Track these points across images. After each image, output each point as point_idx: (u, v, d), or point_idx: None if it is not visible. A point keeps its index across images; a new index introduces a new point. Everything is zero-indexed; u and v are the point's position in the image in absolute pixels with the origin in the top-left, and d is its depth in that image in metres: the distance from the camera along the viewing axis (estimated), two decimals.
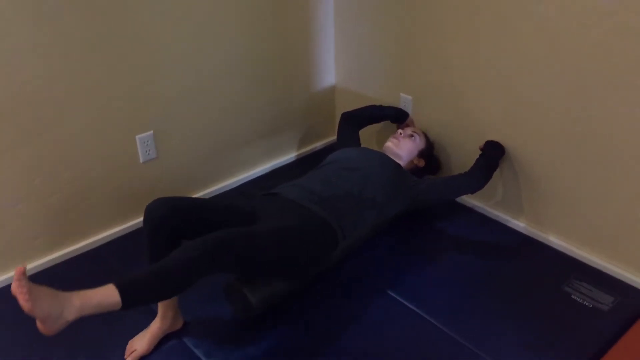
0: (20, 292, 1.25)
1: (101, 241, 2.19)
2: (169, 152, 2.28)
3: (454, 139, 2.33)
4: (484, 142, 2.18)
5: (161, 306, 1.74)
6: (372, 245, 2.11)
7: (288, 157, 2.76)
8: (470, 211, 2.34)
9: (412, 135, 2.26)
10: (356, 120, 2.44)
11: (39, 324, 1.30)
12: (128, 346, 1.72)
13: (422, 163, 2.26)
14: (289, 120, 2.68)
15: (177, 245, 1.66)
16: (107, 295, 1.35)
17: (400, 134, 2.26)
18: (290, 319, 1.82)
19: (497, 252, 2.11)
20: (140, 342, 1.71)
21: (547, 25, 1.87)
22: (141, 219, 2.24)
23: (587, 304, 1.83)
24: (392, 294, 1.90)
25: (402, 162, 2.20)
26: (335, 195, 1.88)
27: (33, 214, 1.98)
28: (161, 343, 1.74)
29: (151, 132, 2.19)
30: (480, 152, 2.19)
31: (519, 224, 2.20)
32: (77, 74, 1.92)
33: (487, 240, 2.17)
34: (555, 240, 2.10)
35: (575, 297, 1.85)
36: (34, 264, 2.04)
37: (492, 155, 2.11)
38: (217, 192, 2.49)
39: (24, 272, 1.26)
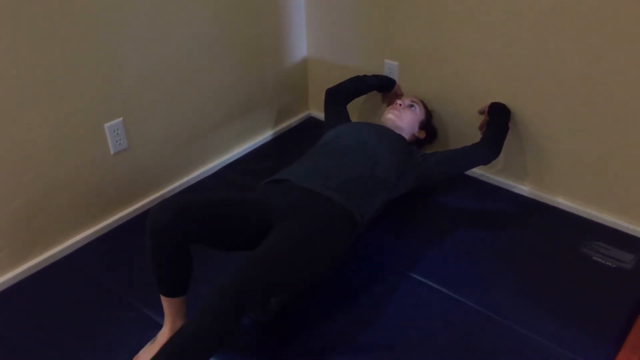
0: None
1: (73, 247, 1.92)
2: (141, 141, 2.02)
3: (447, 105, 2.21)
4: (483, 105, 2.08)
5: (169, 315, 1.53)
6: (379, 226, 1.98)
7: (264, 136, 2.55)
8: (470, 180, 2.24)
9: (412, 105, 2.11)
10: (342, 95, 2.26)
11: None
12: None
13: (422, 135, 2.12)
14: (262, 98, 2.47)
15: (185, 252, 1.46)
16: None
17: (400, 104, 2.11)
18: (313, 315, 1.66)
19: (507, 220, 2.03)
20: (148, 358, 1.50)
21: None
22: (116, 217, 2.03)
23: (609, 264, 1.79)
24: (414, 275, 1.78)
25: (404, 135, 2.06)
26: (350, 178, 1.72)
27: None
28: None
29: (120, 119, 1.92)
30: (480, 116, 2.10)
31: (524, 188, 2.13)
32: (33, 62, 1.63)
33: (494, 209, 2.09)
34: (563, 202, 2.04)
35: (596, 259, 1.81)
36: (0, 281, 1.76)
37: (501, 119, 1.99)
38: (195, 180, 2.27)
39: None
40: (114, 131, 1.92)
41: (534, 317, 1.62)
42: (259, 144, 2.52)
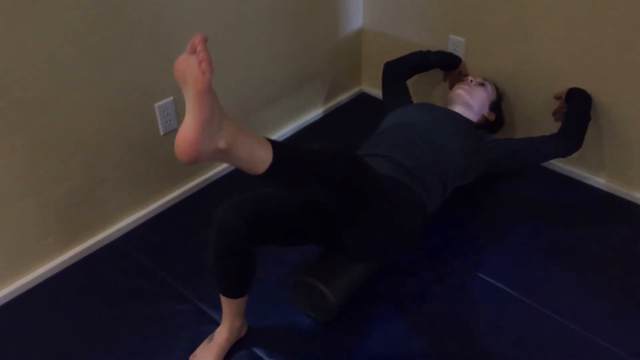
0: (200, 62, 0.95)
1: (121, 231, 1.84)
2: None
3: (518, 88, 2.03)
4: (559, 90, 1.90)
5: (228, 315, 1.44)
6: (444, 217, 1.85)
7: (314, 113, 2.42)
8: (540, 168, 2.08)
9: (483, 84, 1.94)
10: (402, 70, 2.10)
11: (186, 132, 0.96)
12: None
13: (492, 117, 1.95)
14: (313, 73, 2.32)
15: (251, 255, 1.36)
16: (261, 144, 1.05)
17: (471, 80, 1.94)
18: (377, 315, 1.56)
19: (581, 216, 1.88)
20: (207, 358, 1.43)
21: None
22: (163, 200, 1.93)
23: None
24: (481, 275, 1.66)
25: (473, 115, 1.89)
26: (420, 166, 1.58)
27: (41, 209, 1.61)
28: (228, 354, 1.47)
29: (171, 98, 1.81)
30: (555, 102, 1.92)
31: (599, 181, 1.97)
32: (83, 38, 1.51)
33: (567, 202, 1.94)
34: None
35: None
36: (48, 267, 1.68)
37: (582, 108, 1.81)
38: None
39: (206, 40, 0.98)
40: (164, 111, 1.80)
41: (612, 328, 1.49)
42: (309, 122, 2.39)
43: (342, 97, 2.52)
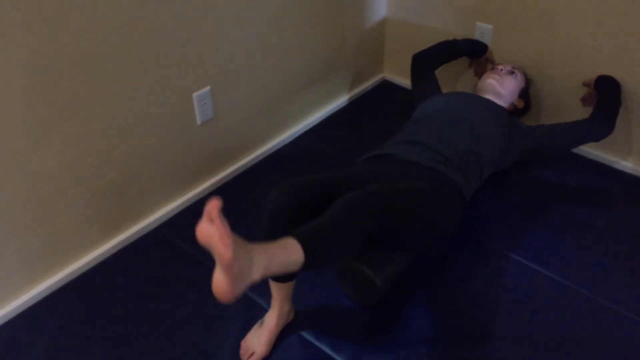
0: (220, 235, 0.95)
1: (162, 219, 1.87)
2: (225, 110, 1.93)
3: (546, 75, 2.06)
4: (588, 78, 1.94)
5: (277, 299, 1.48)
6: (478, 202, 1.89)
7: (340, 101, 2.44)
8: (568, 154, 2.11)
9: (512, 72, 1.97)
10: (430, 60, 2.12)
11: (221, 285, 1.00)
12: (243, 348, 1.48)
13: (521, 104, 1.99)
14: (339, 61, 2.35)
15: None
16: (291, 251, 1.09)
17: (501, 69, 1.97)
18: (416, 300, 1.61)
19: (611, 199, 1.93)
20: (258, 343, 1.47)
21: None
22: (201, 187, 1.96)
23: None
24: (517, 257, 1.71)
25: (503, 103, 1.93)
26: (457, 153, 1.62)
27: (87, 198, 1.64)
28: (278, 338, 1.51)
29: (208, 88, 1.83)
30: (583, 89, 1.96)
31: (627, 165, 2.01)
32: (127, 27, 1.53)
33: (596, 186, 1.98)
34: None
35: None
36: (93, 255, 1.72)
37: (613, 94, 1.85)
38: (275, 148, 2.19)
39: (220, 207, 0.97)
40: (202, 101, 1.82)
41: None
42: (335, 109, 2.42)
43: (366, 85, 2.55)
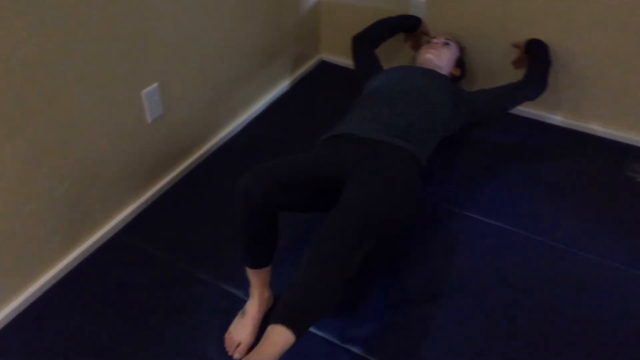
0: None
1: (124, 222, 1.84)
2: (175, 105, 1.90)
3: (478, 41, 2.17)
4: (517, 40, 2.06)
5: (257, 287, 1.51)
6: (429, 167, 1.98)
7: (282, 86, 2.46)
8: (504, 115, 2.24)
9: (447, 43, 2.06)
10: (370, 40, 2.17)
11: None
12: (227, 340, 1.49)
13: (458, 72, 2.09)
14: (278, 47, 2.35)
15: (275, 222, 1.44)
16: (282, 342, 1.16)
17: (436, 42, 2.05)
18: (376, 266, 1.68)
19: (548, 151, 2.07)
20: (243, 333, 1.48)
21: None
22: (158, 186, 1.93)
23: None
24: (472, 215, 1.82)
25: (443, 73, 2.01)
26: (410, 123, 1.69)
27: (45, 212, 1.58)
28: (262, 325, 1.52)
29: (156, 84, 1.80)
30: (514, 51, 2.08)
31: (557, 119, 2.17)
32: (69, 30, 1.47)
33: (533, 141, 2.12)
34: (600, 129, 2.10)
35: None
36: (57, 269, 1.66)
37: (543, 55, 1.98)
38: (227, 138, 2.19)
39: None
40: (151, 98, 1.79)
41: (598, 243, 1.69)
42: (278, 95, 2.43)
43: (305, 68, 2.57)
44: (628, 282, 1.58)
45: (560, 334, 1.47)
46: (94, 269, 1.71)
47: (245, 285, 1.58)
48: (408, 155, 1.60)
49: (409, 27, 2.23)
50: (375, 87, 1.87)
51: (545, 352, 1.43)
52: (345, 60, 2.57)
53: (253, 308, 1.51)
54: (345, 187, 1.47)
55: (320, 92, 2.45)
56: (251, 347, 1.47)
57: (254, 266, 1.48)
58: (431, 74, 1.90)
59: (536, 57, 1.98)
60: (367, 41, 2.17)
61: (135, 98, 1.75)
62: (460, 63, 2.11)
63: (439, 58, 2.01)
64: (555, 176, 1.94)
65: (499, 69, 2.17)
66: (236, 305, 1.57)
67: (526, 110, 2.22)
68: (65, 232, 1.67)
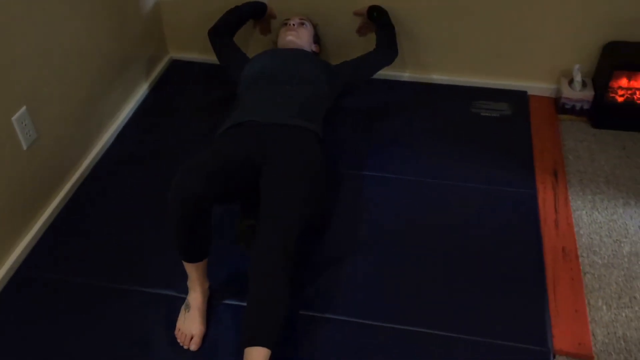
0: None
1: (21, 257, 1.72)
2: (47, 126, 1.80)
3: (325, 18, 2.32)
4: (357, 8, 2.26)
5: (197, 279, 1.54)
6: None
7: (142, 90, 2.41)
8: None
9: (302, 23, 2.19)
10: (225, 32, 2.21)
11: None
12: (179, 336, 1.51)
13: (317, 49, 2.24)
14: (129, 52, 2.30)
15: (209, 216, 1.48)
16: (262, 358, 1.29)
17: (293, 24, 2.17)
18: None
19: (404, 105, 2.32)
20: (193, 324, 1.51)
21: None
22: (51, 208, 1.88)
23: (495, 115, 2.24)
24: (366, 173, 2.00)
25: None
26: (300, 102, 1.81)
27: None
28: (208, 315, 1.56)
29: (24, 108, 1.68)
30: (359, 19, 2.29)
31: (405, 75, 2.44)
32: None
33: (394, 99, 2.36)
34: (443, 77, 2.41)
35: (484, 114, 2.24)
36: None
37: (386, 21, 2.19)
38: (105, 148, 2.13)
39: None
40: (22, 123, 1.67)
41: (464, 171, 1.99)
42: (141, 100, 2.38)
43: (158, 69, 2.54)
44: (488, 196, 1.90)
45: (462, 250, 1.73)
46: (7, 309, 1.58)
47: (178, 285, 1.61)
48: (310, 134, 1.74)
49: (256, 13, 2.32)
50: (254, 74, 1.94)
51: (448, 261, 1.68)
52: (195, 55, 2.59)
53: (197, 300, 1.53)
54: (262, 179, 1.59)
55: (178, 91, 2.45)
56: (204, 336, 1.50)
57: (194, 260, 1.50)
58: (301, 53, 2.02)
59: (381, 25, 2.20)
60: (223, 33, 2.21)
61: (7, 126, 1.63)
62: (317, 39, 2.27)
63: (299, 38, 2.13)
64: (417, 124, 2.20)
65: (350, 39, 2.36)
66: (175, 304, 1.58)
67: (381, 72, 2.44)
68: None
